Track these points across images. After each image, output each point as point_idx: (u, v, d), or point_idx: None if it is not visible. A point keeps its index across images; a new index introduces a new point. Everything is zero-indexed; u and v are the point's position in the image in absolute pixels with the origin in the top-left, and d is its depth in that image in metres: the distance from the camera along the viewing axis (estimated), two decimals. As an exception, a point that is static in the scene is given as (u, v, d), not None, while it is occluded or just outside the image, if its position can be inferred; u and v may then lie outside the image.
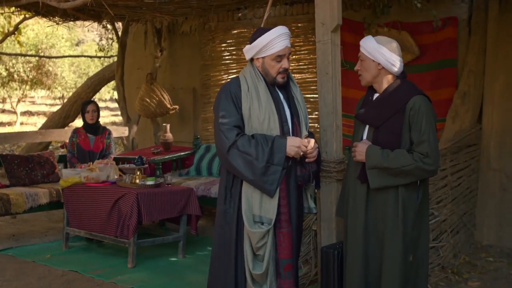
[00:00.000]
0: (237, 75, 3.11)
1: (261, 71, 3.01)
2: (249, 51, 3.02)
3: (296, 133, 3.02)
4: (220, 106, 2.95)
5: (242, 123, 2.94)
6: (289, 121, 3.02)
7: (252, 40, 3.00)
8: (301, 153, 2.93)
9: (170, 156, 6.14)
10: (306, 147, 2.93)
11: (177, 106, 6.99)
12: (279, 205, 2.96)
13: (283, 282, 2.99)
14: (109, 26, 8.22)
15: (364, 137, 2.93)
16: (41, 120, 18.92)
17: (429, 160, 2.72)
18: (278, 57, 2.95)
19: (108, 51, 9.62)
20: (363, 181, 2.86)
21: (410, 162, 2.71)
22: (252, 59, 3.05)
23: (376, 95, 2.94)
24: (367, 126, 2.93)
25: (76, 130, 5.87)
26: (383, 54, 2.84)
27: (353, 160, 2.93)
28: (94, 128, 5.83)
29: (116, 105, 20.97)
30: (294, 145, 2.89)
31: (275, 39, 2.92)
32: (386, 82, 2.90)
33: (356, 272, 2.86)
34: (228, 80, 6.62)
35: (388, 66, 2.85)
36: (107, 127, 6.08)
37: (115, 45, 9.94)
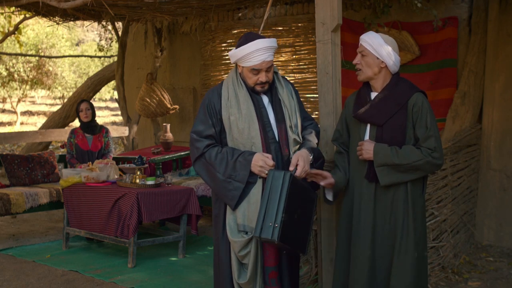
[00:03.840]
0: (224, 79, 3.02)
1: (242, 77, 2.95)
2: (231, 56, 2.94)
3: (282, 138, 2.93)
4: (197, 116, 2.97)
5: (218, 133, 2.91)
6: (274, 126, 2.93)
7: (237, 45, 2.91)
8: (266, 172, 2.78)
9: (170, 156, 6.14)
10: (270, 166, 2.80)
11: (177, 106, 6.99)
12: None
13: None
14: (109, 26, 8.21)
15: (366, 136, 2.89)
16: (41, 120, 18.92)
17: (437, 154, 2.75)
18: (255, 70, 2.87)
19: (107, 51, 9.62)
20: (371, 180, 2.84)
21: (420, 157, 2.74)
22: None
23: (373, 94, 2.91)
24: (368, 125, 2.89)
25: (73, 131, 5.87)
26: (389, 53, 2.83)
27: (357, 160, 2.90)
28: (91, 127, 5.83)
29: (116, 105, 20.99)
30: (257, 164, 2.80)
31: (252, 53, 2.82)
32: (384, 80, 2.88)
33: (363, 270, 2.85)
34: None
35: (392, 65, 2.85)
36: (105, 126, 6.08)
37: (115, 45, 9.94)
